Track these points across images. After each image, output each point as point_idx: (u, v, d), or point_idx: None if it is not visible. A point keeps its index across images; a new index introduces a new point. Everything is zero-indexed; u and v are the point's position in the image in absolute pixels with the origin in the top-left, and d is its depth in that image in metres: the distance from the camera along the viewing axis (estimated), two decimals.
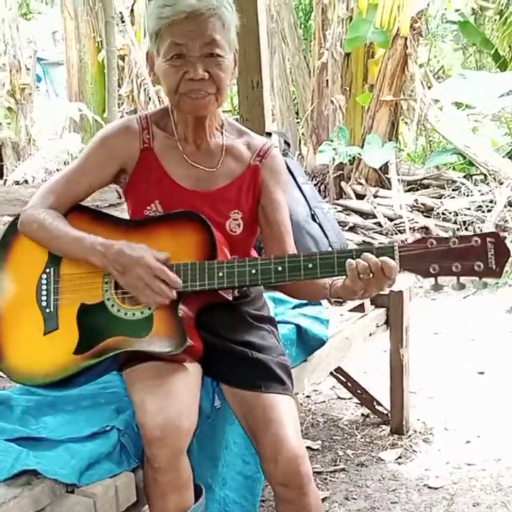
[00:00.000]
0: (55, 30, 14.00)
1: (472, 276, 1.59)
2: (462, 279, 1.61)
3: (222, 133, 1.96)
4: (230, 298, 1.82)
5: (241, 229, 1.92)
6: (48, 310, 1.82)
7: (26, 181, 9.37)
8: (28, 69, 10.79)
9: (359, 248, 1.67)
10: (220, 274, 1.71)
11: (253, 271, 1.70)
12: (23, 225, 1.87)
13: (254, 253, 2.05)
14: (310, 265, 1.67)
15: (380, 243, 6.37)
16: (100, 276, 1.79)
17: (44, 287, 1.84)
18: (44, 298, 1.83)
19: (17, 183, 9.38)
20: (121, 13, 9.66)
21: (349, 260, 1.62)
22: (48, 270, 1.85)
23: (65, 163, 9.53)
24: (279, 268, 1.69)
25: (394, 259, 1.61)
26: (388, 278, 1.61)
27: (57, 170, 9.31)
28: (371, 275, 1.61)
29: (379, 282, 1.63)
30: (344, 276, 1.67)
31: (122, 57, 9.88)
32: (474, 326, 4.67)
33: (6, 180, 9.89)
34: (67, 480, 1.58)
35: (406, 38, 7.40)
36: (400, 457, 2.94)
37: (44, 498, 1.56)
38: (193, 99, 1.79)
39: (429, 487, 2.71)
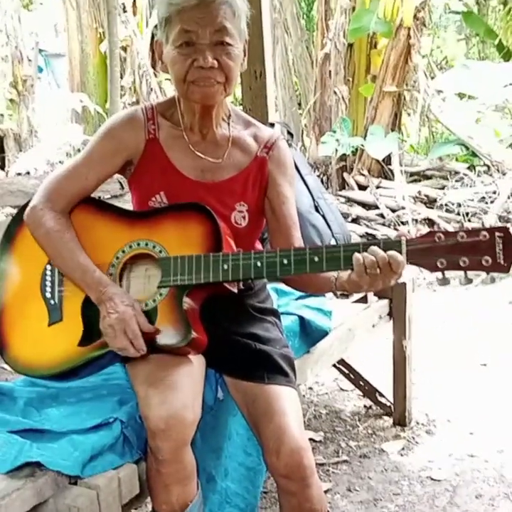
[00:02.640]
0: (56, 22, 13.94)
1: (480, 270, 1.56)
2: (470, 273, 1.58)
3: (228, 124, 1.93)
4: (235, 290, 1.81)
5: (246, 221, 1.90)
6: (52, 301, 1.82)
7: (28, 173, 9.34)
8: (29, 60, 10.73)
9: (366, 242, 1.65)
10: (225, 267, 1.69)
11: (258, 264, 1.69)
12: (29, 223, 1.84)
13: (259, 246, 2.04)
14: (316, 258, 1.65)
15: (383, 235, 6.36)
16: (105, 268, 1.79)
17: (48, 278, 1.84)
18: (48, 289, 1.83)
19: (19, 174, 9.37)
20: (123, 3, 9.60)
21: (356, 255, 1.60)
22: None
23: (67, 155, 9.51)
24: (285, 261, 1.67)
25: (401, 253, 1.59)
26: (395, 273, 1.59)
27: (59, 161, 9.30)
28: (378, 270, 1.59)
29: (386, 277, 1.61)
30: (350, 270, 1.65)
31: (124, 48, 9.84)
32: (477, 317, 4.66)
33: (7, 171, 9.88)
34: (70, 472, 1.58)
35: (409, 28, 7.37)
36: (402, 449, 2.95)
37: (47, 490, 1.56)
38: (201, 87, 1.76)
39: (432, 479, 2.71)
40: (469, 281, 1.60)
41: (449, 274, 1.60)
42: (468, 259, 1.55)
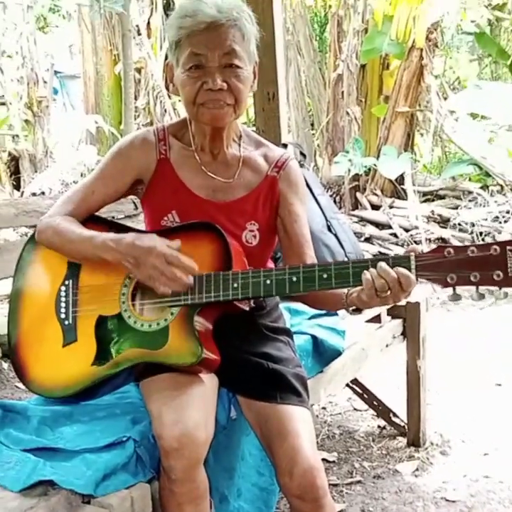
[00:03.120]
0: (72, 44, 14.10)
1: (491, 285, 1.53)
2: (481, 288, 1.56)
3: (239, 144, 1.95)
4: (247, 308, 1.81)
5: (257, 240, 1.91)
6: (66, 322, 1.83)
7: (43, 193, 9.40)
8: (45, 82, 10.84)
9: (374, 258, 1.65)
10: (235, 285, 1.70)
11: (268, 281, 1.69)
12: (39, 233, 1.89)
13: (271, 265, 2.04)
14: (325, 275, 1.65)
15: (396, 254, 6.34)
16: (117, 287, 1.80)
17: (63, 299, 1.85)
18: (63, 310, 1.84)
19: (34, 194, 9.42)
20: (137, 26, 9.70)
21: (366, 276, 1.60)
22: (66, 282, 1.86)
23: (81, 175, 9.56)
24: (294, 278, 1.67)
25: (410, 269, 1.58)
26: (405, 291, 1.60)
27: (73, 182, 9.35)
28: (389, 292, 1.60)
29: (395, 296, 1.61)
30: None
31: (139, 70, 9.92)
32: (491, 337, 4.63)
33: (23, 191, 9.94)
34: (83, 490, 1.58)
35: (421, 50, 7.40)
36: (416, 469, 2.92)
37: (60, 509, 1.55)
38: (210, 109, 1.79)
39: (447, 500, 2.68)
40: (482, 296, 1.58)
41: (460, 290, 1.59)
42: (479, 274, 1.53)
